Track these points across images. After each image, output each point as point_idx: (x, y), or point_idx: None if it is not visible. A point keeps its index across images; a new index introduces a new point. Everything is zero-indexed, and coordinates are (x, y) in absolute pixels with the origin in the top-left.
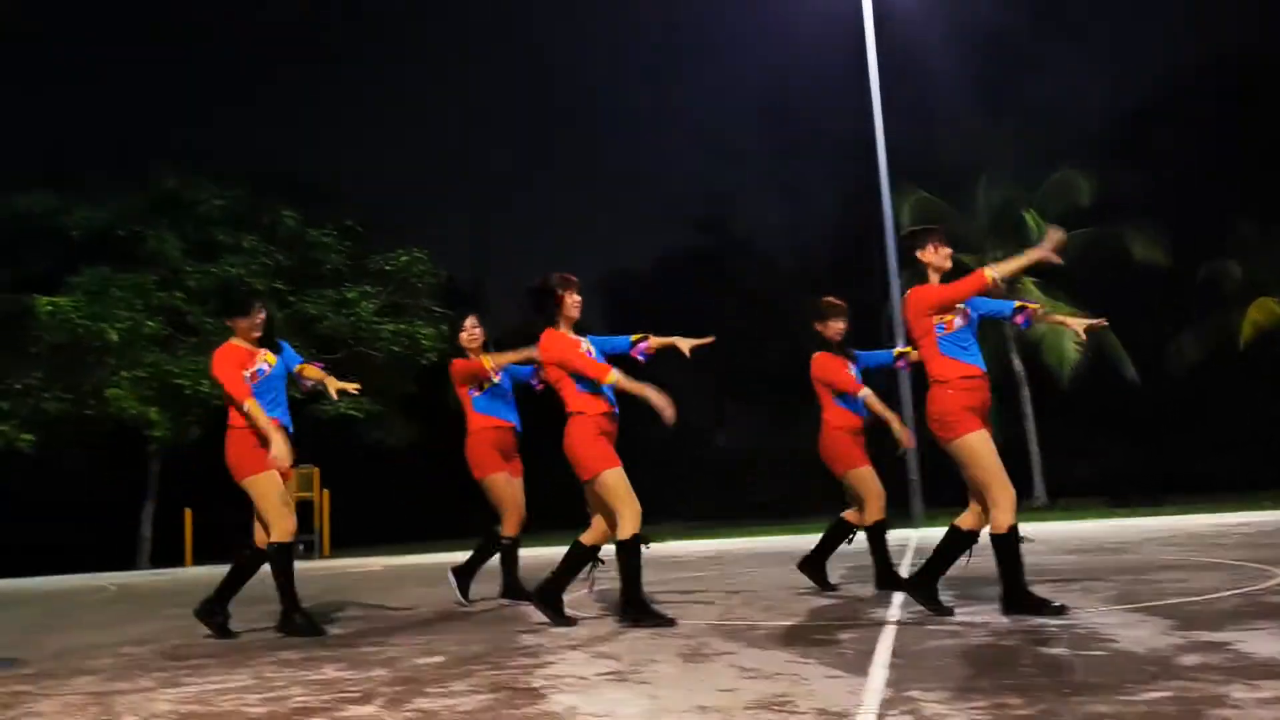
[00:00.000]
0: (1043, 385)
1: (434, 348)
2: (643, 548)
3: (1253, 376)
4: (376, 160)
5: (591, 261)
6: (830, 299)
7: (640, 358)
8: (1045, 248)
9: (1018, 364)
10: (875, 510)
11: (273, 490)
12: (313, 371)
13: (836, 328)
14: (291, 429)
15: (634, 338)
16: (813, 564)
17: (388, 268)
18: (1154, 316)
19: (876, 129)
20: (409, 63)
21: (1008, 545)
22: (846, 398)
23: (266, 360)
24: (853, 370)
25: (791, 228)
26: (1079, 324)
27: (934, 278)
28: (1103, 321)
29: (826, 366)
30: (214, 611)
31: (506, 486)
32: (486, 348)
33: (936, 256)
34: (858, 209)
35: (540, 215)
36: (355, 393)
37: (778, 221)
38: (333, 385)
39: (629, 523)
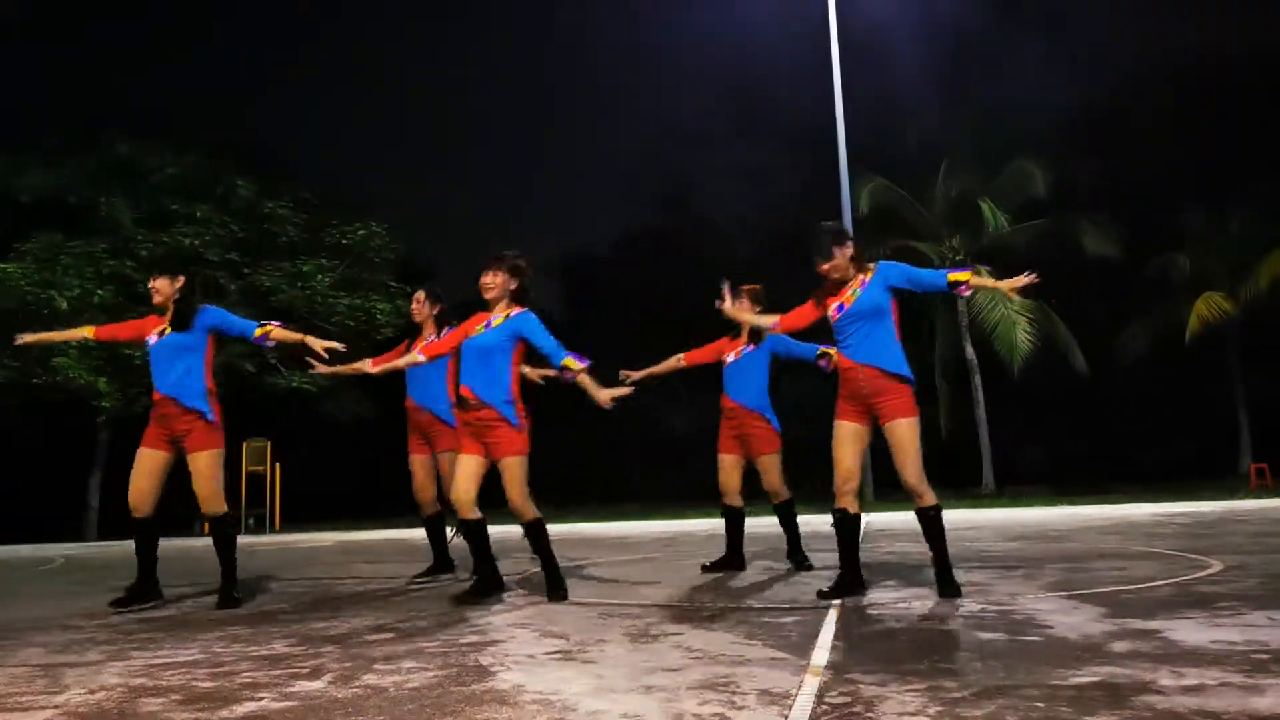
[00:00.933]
0: (994, 374)
1: (389, 323)
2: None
3: (1198, 369)
4: (334, 133)
5: (552, 240)
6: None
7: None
8: (1018, 283)
9: (970, 352)
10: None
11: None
12: (282, 333)
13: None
14: (187, 403)
15: (566, 362)
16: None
17: (344, 241)
18: (1104, 308)
19: (838, 116)
20: (372, 39)
21: (834, 524)
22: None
23: (162, 330)
24: (728, 357)
25: (751, 211)
26: (1008, 285)
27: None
28: (1034, 278)
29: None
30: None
31: (416, 468)
32: (441, 320)
33: (844, 255)
34: (817, 194)
35: (501, 193)
36: (343, 350)
37: (738, 205)
38: (317, 345)
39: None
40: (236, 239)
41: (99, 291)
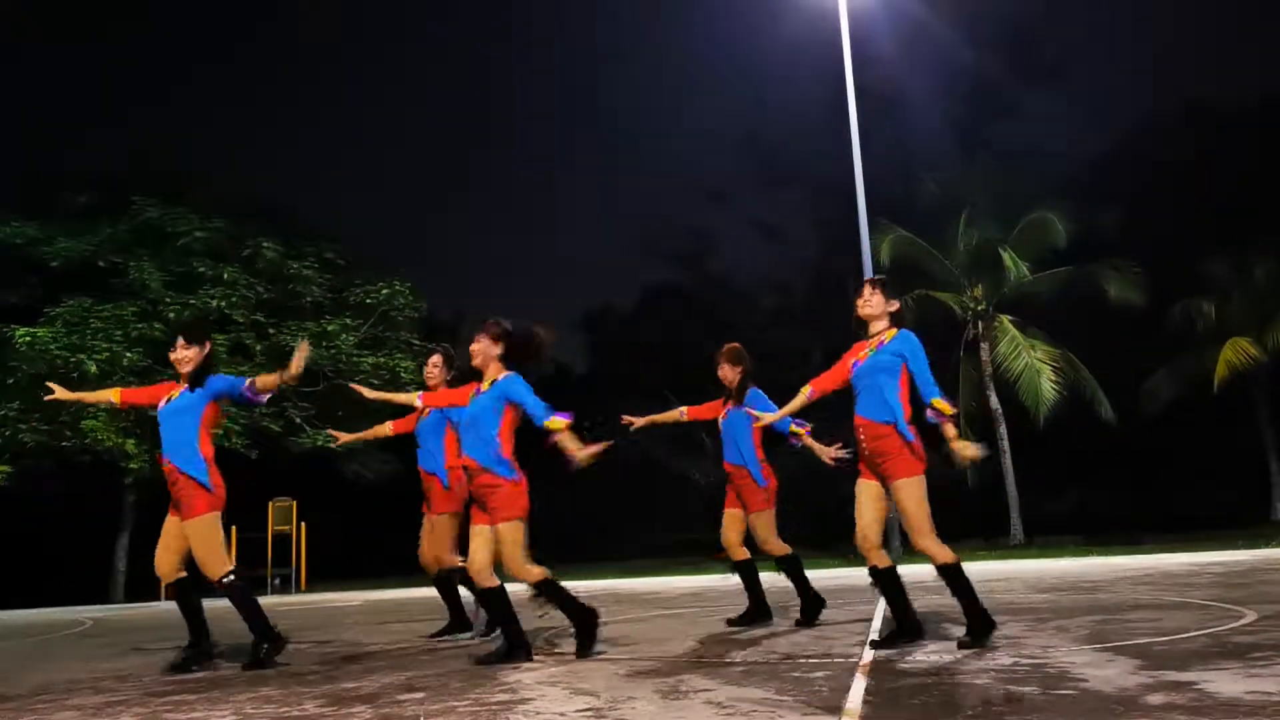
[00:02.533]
0: (1020, 424)
1: (413, 380)
2: None
3: (1227, 416)
4: (359, 193)
5: (575, 297)
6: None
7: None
8: (968, 451)
9: (995, 402)
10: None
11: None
12: (264, 379)
13: (721, 374)
14: (182, 468)
15: (548, 423)
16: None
17: (368, 300)
18: (1129, 356)
19: (856, 168)
20: (393, 95)
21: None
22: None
23: (170, 396)
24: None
25: (772, 266)
26: (961, 447)
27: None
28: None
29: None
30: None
31: (424, 531)
32: (454, 383)
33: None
34: (838, 247)
35: (522, 251)
36: (307, 351)
37: (759, 260)
38: (301, 354)
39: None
40: (262, 300)
41: (128, 354)
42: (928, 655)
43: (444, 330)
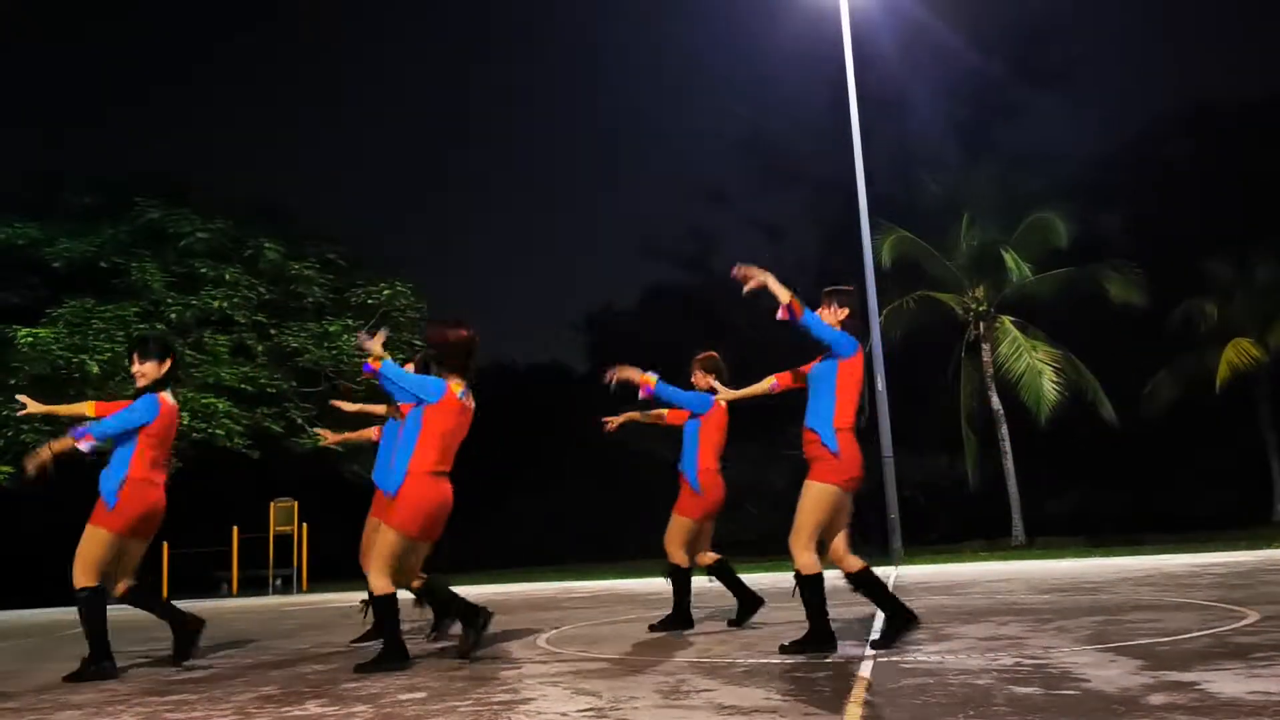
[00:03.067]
0: (1021, 425)
1: None
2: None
3: (1228, 417)
4: (359, 193)
5: (575, 297)
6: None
7: None
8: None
9: (996, 403)
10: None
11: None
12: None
13: (695, 381)
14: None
15: None
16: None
17: (370, 301)
18: (1131, 356)
19: (857, 169)
20: (394, 96)
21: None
22: None
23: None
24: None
25: (773, 266)
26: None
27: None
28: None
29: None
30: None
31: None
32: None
33: (831, 316)
34: (839, 247)
35: (524, 250)
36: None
37: (760, 260)
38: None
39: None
40: (264, 300)
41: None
42: (929, 656)
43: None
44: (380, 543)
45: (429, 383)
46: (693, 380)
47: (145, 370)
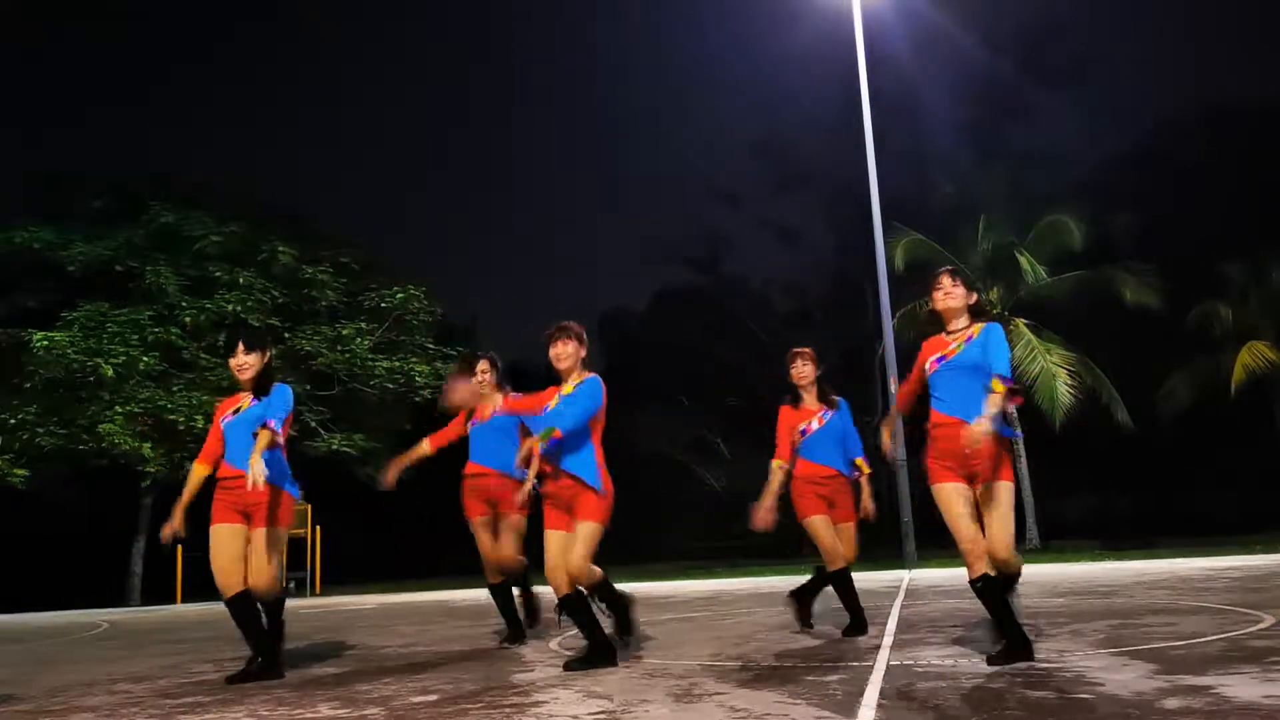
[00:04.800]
0: (1036, 427)
1: (428, 385)
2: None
3: (1244, 420)
4: (373, 197)
5: (589, 300)
6: (796, 348)
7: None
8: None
9: (1010, 406)
10: (828, 559)
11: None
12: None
13: (796, 373)
14: (254, 476)
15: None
16: (800, 599)
17: (383, 304)
18: (1146, 359)
19: (870, 172)
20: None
21: (978, 592)
22: (802, 447)
23: (242, 405)
24: (813, 425)
25: (787, 268)
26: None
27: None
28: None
29: (779, 419)
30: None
31: (480, 531)
32: (501, 387)
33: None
34: (852, 250)
35: (536, 255)
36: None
37: (773, 261)
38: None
39: None
40: (278, 304)
41: (144, 358)
42: (942, 659)
43: (458, 334)
44: (589, 538)
45: (596, 391)
46: (792, 375)
47: (250, 361)
